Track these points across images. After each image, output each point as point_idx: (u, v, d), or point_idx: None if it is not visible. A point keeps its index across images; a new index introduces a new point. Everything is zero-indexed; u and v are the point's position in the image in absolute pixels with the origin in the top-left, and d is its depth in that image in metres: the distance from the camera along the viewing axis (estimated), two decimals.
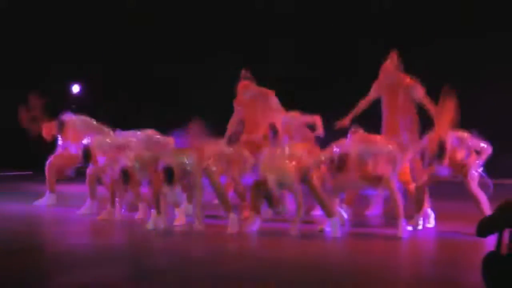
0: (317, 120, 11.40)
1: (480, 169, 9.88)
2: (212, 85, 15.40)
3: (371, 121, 10.55)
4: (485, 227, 6.07)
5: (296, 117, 11.49)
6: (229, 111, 11.84)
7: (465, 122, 9.86)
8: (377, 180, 9.68)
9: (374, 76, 11.01)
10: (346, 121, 10.95)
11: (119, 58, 16.00)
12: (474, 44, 14.91)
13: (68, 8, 16.26)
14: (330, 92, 15.29)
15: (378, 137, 10.11)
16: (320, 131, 11.35)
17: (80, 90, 11.89)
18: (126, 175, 10.24)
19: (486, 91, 14.60)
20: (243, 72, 11.78)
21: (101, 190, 11.16)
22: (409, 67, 10.99)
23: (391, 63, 10.92)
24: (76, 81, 11.96)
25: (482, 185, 9.91)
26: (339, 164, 9.65)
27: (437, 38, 15.15)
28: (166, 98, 14.87)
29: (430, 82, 10.89)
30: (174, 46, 16.24)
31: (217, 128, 10.87)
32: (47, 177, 11.90)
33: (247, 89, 11.75)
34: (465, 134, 9.80)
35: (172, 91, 15.69)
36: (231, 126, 11.85)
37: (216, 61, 15.53)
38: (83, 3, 16.36)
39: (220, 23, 16.30)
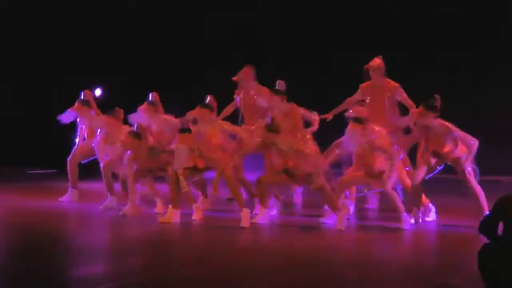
0: (315, 116, 11.45)
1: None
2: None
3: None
4: (485, 228, 6.41)
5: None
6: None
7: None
8: (379, 176, 10.14)
9: None
10: (329, 115, 11.53)
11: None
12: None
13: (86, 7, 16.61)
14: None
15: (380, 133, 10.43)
16: (315, 127, 11.38)
17: (102, 93, 12.23)
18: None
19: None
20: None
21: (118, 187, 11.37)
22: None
23: (375, 67, 11.43)
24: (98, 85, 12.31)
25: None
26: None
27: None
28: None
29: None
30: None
31: None
32: (69, 173, 12.10)
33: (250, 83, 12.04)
34: (449, 125, 10.17)
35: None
36: (227, 112, 12.13)
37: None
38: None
39: None
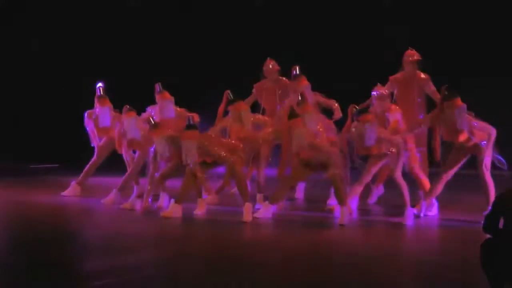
0: (333, 104, 11.52)
1: (492, 153, 10.17)
2: None
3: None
4: (488, 225, 6.41)
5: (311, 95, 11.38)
6: None
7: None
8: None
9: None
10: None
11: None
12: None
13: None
14: None
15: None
16: (338, 115, 11.46)
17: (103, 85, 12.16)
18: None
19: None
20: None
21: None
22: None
23: (408, 59, 11.49)
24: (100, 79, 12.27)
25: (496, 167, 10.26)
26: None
27: None
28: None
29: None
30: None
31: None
32: (84, 172, 12.04)
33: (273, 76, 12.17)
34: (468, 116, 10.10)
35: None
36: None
37: None
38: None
39: None
